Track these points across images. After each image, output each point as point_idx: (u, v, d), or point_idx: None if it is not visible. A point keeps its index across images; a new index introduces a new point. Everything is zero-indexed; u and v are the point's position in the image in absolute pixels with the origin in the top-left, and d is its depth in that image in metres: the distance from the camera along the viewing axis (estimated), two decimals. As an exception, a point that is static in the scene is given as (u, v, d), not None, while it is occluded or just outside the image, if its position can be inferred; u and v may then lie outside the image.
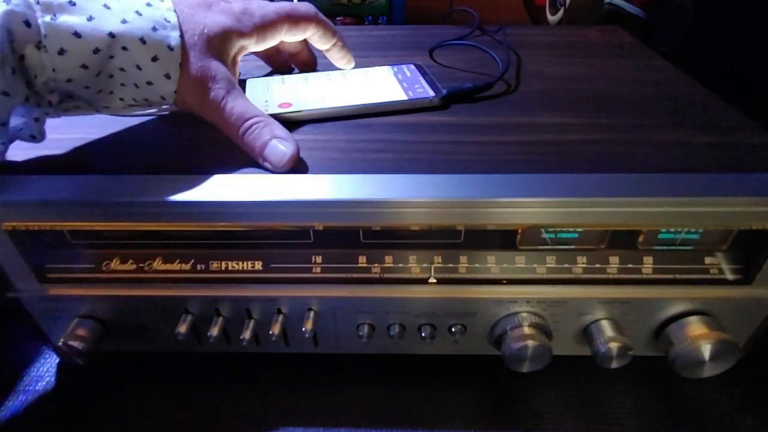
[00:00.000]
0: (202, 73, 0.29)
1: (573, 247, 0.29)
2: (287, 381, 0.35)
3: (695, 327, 0.30)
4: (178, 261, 0.30)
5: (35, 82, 0.26)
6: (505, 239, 0.29)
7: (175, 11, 0.29)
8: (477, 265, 0.30)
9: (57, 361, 0.37)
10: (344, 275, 0.30)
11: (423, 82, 0.38)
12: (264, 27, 0.33)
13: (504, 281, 0.30)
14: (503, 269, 0.30)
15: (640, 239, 0.29)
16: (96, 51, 0.26)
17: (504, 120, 0.34)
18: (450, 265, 0.30)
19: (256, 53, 0.41)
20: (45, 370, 0.36)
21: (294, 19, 0.35)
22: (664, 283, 0.30)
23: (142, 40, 0.27)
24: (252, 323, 0.32)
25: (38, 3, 0.25)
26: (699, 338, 0.29)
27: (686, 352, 0.29)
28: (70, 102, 0.29)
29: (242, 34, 0.32)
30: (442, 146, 0.31)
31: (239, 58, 0.34)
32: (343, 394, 0.34)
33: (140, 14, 0.27)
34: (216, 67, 0.30)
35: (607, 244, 0.29)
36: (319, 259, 0.30)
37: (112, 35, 0.26)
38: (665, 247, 0.29)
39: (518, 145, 0.31)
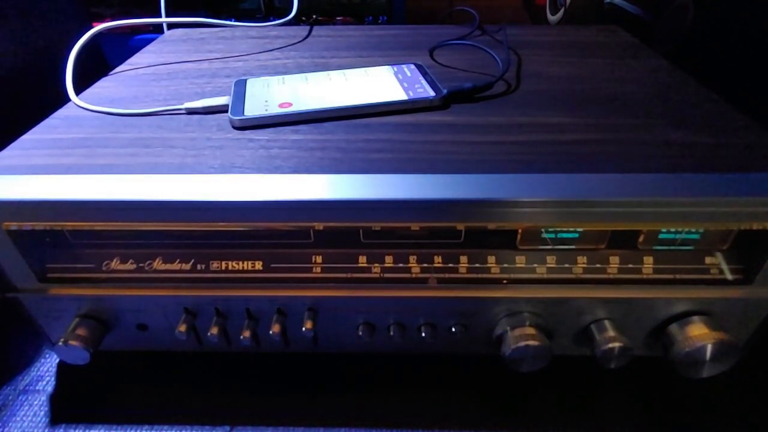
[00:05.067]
0: None
1: (573, 247, 0.29)
2: (287, 381, 0.35)
3: (695, 327, 0.30)
4: (178, 261, 0.30)
5: None
6: (505, 239, 0.29)
7: None
8: (477, 265, 0.30)
9: (57, 361, 0.37)
10: (344, 275, 0.30)
11: (423, 82, 0.38)
12: None
13: (504, 281, 0.30)
14: (503, 269, 0.30)
15: (640, 239, 0.29)
16: None
17: (504, 120, 0.34)
18: (450, 265, 0.30)
19: None
20: (45, 370, 0.36)
21: None
22: (664, 283, 0.30)
23: None
24: (252, 323, 0.32)
25: None
26: (699, 338, 0.29)
27: (686, 352, 0.29)
28: None
29: None
30: (442, 146, 0.31)
31: None
32: (343, 394, 0.34)
33: None
34: None
35: (607, 244, 0.29)
36: (319, 259, 0.30)
37: None
38: (665, 247, 0.29)
39: (518, 145, 0.31)
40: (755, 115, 0.34)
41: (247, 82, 0.39)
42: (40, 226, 0.28)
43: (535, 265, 0.30)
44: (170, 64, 0.45)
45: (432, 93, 0.36)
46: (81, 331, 0.31)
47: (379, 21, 0.79)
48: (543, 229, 0.28)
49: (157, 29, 0.60)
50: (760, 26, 0.54)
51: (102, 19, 0.72)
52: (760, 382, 0.34)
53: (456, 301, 0.31)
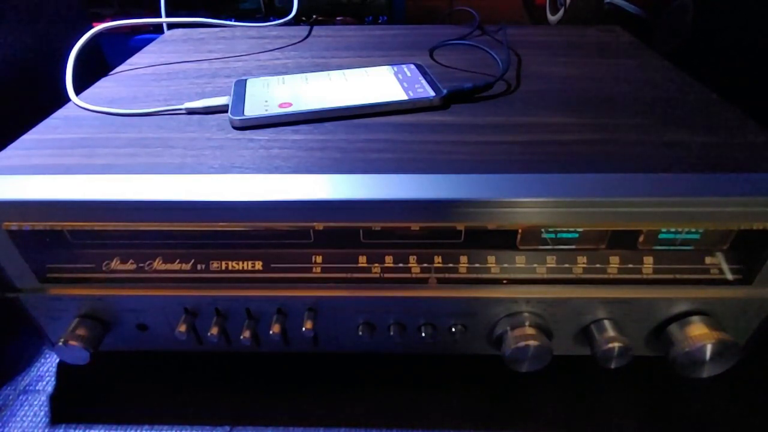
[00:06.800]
0: None
1: (573, 247, 0.29)
2: (287, 381, 0.35)
3: (695, 327, 0.30)
4: (178, 261, 0.30)
5: None
6: (505, 239, 0.29)
7: None
8: (477, 265, 0.30)
9: (57, 361, 0.37)
10: (344, 275, 0.30)
11: (423, 82, 0.38)
12: None
13: (504, 281, 0.30)
14: (503, 269, 0.30)
15: (640, 239, 0.29)
16: None
17: (504, 120, 0.34)
18: (450, 265, 0.30)
19: None
20: (45, 370, 0.36)
21: None
22: (664, 283, 0.30)
23: None
24: (252, 323, 0.32)
25: None
26: (699, 338, 0.29)
27: (686, 352, 0.29)
28: None
29: None
30: (442, 146, 0.31)
31: None
32: (343, 394, 0.34)
33: None
34: None
35: (607, 244, 0.29)
36: (319, 259, 0.30)
37: None
38: (665, 247, 0.29)
39: (518, 145, 0.31)
40: (755, 115, 0.34)
41: (247, 82, 0.39)
42: (40, 226, 0.28)
43: (535, 265, 0.30)
44: (170, 64, 0.45)
45: (432, 93, 0.36)
46: (81, 331, 0.31)
47: (379, 21, 0.79)
48: (543, 229, 0.28)
49: (157, 29, 0.60)
50: (760, 26, 0.54)
51: (102, 19, 0.72)
52: (760, 382, 0.34)
53: (456, 301, 0.31)
